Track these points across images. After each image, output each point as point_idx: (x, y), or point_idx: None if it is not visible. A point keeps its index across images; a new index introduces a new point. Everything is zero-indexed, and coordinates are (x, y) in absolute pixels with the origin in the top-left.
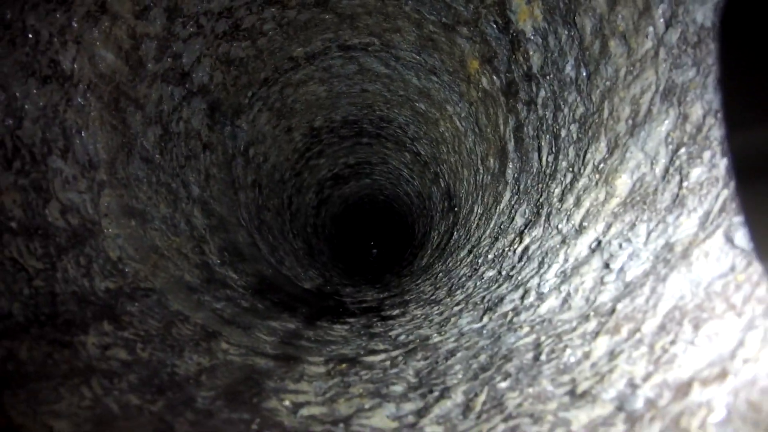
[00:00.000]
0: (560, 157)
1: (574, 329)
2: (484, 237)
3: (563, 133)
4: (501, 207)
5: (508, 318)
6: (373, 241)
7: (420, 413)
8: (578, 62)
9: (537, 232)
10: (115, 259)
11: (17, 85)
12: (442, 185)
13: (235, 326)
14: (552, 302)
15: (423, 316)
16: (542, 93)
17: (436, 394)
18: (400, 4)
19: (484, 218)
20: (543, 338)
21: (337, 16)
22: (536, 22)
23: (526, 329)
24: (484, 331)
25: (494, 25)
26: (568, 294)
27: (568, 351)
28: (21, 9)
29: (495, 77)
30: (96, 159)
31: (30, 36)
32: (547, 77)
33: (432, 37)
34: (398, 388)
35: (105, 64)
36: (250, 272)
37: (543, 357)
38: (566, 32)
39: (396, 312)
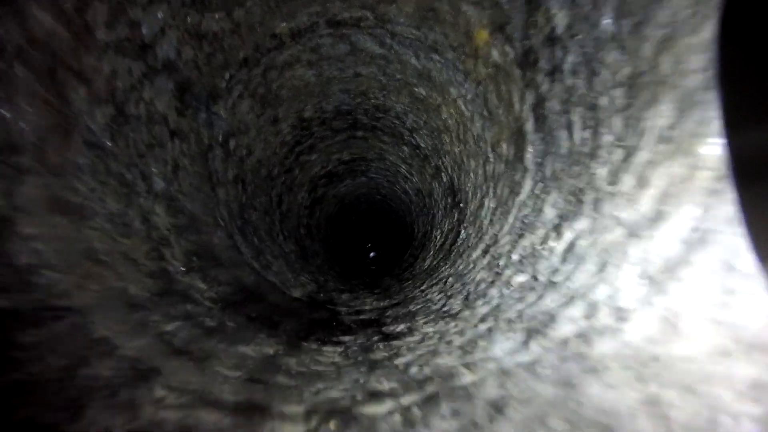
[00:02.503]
0: (601, 130)
1: (724, 376)
2: (502, 234)
3: (603, 101)
4: (521, 198)
5: (573, 347)
6: (371, 242)
7: None
8: (618, 13)
9: (583, 224)
10: (23, 267)
11: None
12: (445, 180)
13: (186, 358)
14: (645, 325)
15: (437, 336)
16: (570, 58)
17: None
18: None
19: (498, 213)
20: (662, 391)
21: None
22: None
23: (616, 372)
24: (540, 369)
25: None
26: (675, 314)
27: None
28: None
29: (508, 47)
30: (20, 140)
31: None
32: (577, 38)
33: (433, 6)
34: None
35: (40, 28)
36: (225, 280)
37: None
38: None
39: (401, 328)
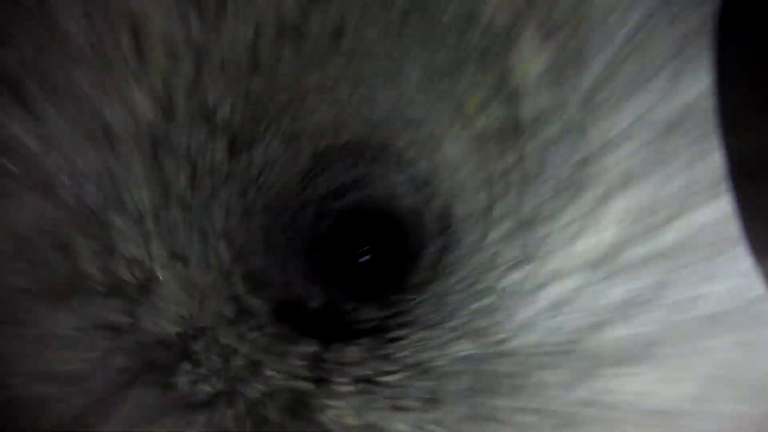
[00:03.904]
0: None
1: None
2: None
3: None
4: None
5: None
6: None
7: None
8: None
9: None
10: (169, 308)
11: (70, 146)
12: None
13: None
14: None
15: None
16: None
17: None
18: None
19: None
20: None
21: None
22: None
23: None
24: None
25: None
26: None
27: None
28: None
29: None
30: (143, 209)
31: (77, 95)
32: None
33: None
34: None
35: (143, 114)
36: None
37: None
38: None
39: None
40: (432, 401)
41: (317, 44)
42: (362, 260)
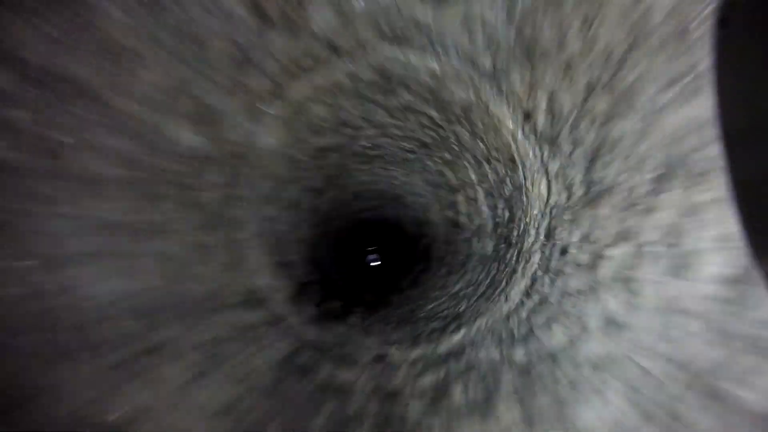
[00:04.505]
0: None
1: None
2: None
3: None
4: None
5: None
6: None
7: None
8: None
9: None
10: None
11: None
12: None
13: None
14: None
15: None
16: None
17: None
18: None
19: None
20: None
21: None
22: None
23: None
24: None
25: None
26: None
27: None
28: None
29: None
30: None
31: None
32: None
33: None
34: None
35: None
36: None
37: None
38: None
39: None
40: (384, 333)
41: (372, 164)
42: (372, 264)
